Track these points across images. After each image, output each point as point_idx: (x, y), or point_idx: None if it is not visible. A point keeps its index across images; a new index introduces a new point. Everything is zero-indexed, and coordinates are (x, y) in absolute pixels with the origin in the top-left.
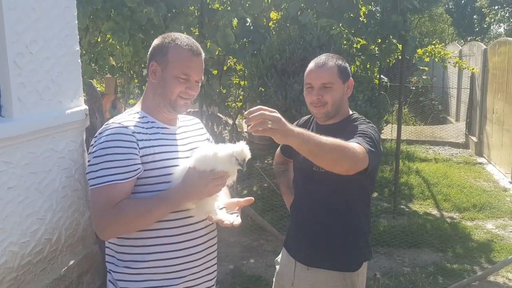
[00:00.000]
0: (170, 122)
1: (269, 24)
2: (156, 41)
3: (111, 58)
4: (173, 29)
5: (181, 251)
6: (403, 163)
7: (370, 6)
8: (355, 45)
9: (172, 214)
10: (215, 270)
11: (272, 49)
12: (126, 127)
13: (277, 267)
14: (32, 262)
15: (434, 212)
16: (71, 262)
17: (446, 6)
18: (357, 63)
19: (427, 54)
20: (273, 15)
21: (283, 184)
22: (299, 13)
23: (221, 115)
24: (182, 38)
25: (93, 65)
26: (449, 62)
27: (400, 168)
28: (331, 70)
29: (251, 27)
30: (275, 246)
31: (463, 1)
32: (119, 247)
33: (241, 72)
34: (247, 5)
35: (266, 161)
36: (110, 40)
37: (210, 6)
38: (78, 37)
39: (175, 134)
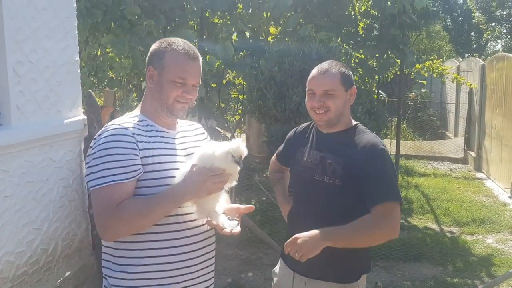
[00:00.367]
0: (169, 126)
1: (268, 39)
2: (153, 46)
3: (110, 71)
4: None
5: (178, 256)
6: (402, 177)
7: (368, 21)
8: (353, 60)
9: (170, 218)
10: (212, 277)
11: (271, 61)
12: (126, 128)
13: (275, 278)
14: (28, 272)
15: (434, 226)
16: (67, 273)
17: (444, 23)
18: (356, 77)
19: (425, 69)
20: (272, 30)
21: (279, 192)
22: (298, 27)
23: (219, 129)
24: (179, 42)
25: (92, 78)
26: (447, 78)
27: (399, 182)
28: (333, 77)
29: (250, 40)
30: (273, 260)
31: (460, 18)
32: (116, 250)
33: (239, 86)
34: (246, 19)
35: (264, 175)
36: (110, 54)
37: (210, 20)
38: (78, 47)
39: (174, 138)
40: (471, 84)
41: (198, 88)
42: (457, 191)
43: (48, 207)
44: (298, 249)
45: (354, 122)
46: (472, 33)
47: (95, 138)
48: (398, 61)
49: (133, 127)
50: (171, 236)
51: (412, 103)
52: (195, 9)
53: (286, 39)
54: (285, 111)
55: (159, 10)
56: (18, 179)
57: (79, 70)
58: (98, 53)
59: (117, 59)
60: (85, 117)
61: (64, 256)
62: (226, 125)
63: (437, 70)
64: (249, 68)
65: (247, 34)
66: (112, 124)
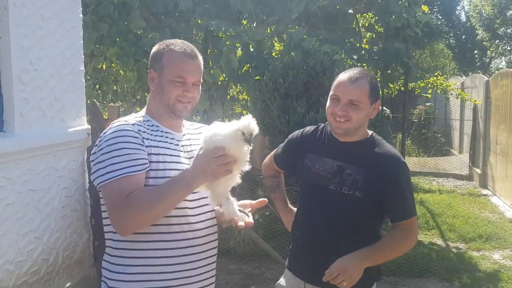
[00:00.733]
0: (174, 128)
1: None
2: (153, 49)
3: (115, 86)
4: None
5: (178, 258)
6: None
7: (371, 34)
8: None
9: (172, 219)
10: (213, 283)
11: (276, 74)
12: (132, 124)
13: None
14: (28, 282)
15: (439, 242)
16: (68, 285)
17: (447, 41)
18: None
19: (429, 85)
20: (277, 46)
21: (279, 199)
22: (302, 42)
23: None
24: (177, 43)
25: (97, 91)
26: (451, 94)
27: None
28: (362, 89)
29: (254, 53)
30: (276, 274)
31: (464, 36)
32: (115, 250)
33: (243, 102)
34: (250, 33)
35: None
36: (115, 68)
37: (214, 34)
38: (83, 57)
39: (180, 140)
40: (475, 101)
41: (200, 87)
42: (463, 208)
43: (50, 217)
44: (346, 278)
45: (369, 132)
46: (475, 51)
47: (100, 136)
48: (403, 77)
49: (138, 125)
50: (172, 237)
51: (416, 120)
52: (199, 22)
53: (291, 53)
54: (289, 123)
55: (164, 23)
56: (20, 187)
57: (83, 80)
58: (104, 67)
59: (121, 72)
60: (89, 126)
61: (65, 267)
62: None
63: (441, 87)
64: (253, 80)
65: (251, 47)
66: (118, 121)
